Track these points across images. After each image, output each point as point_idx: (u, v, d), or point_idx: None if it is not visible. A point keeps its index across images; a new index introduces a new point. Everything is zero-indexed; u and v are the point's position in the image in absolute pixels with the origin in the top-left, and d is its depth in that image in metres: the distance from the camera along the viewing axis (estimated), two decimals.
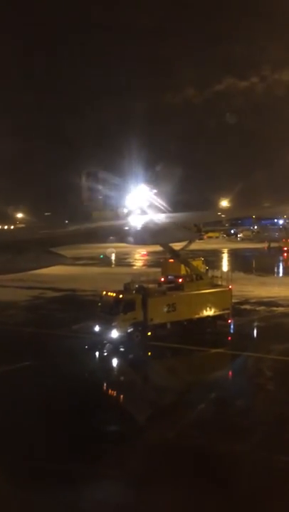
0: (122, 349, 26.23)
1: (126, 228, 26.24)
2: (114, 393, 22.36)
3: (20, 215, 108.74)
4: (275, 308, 37.22)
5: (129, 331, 26.83)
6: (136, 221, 29.46)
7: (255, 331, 31.97)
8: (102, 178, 28.83)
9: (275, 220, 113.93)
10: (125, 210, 29.59)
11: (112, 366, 25.49)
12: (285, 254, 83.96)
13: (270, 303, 38.90)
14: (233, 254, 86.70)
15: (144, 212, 33.19)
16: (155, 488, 13.48)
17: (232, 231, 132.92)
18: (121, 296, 27.52)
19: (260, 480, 13.92)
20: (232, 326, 30.89)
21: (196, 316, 29.33)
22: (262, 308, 37.35)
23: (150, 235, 26.21)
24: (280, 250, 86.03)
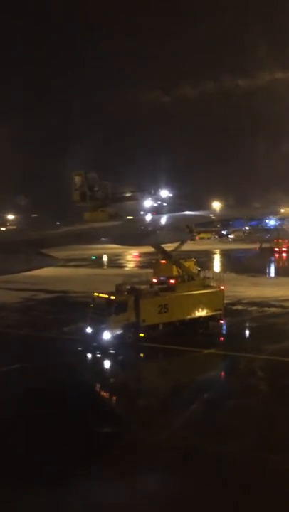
0: (114, 351, 26.15)
1: (118, 229, 26.21)
2: (107, 395, 22.29)
3: (10, 217, 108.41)
4: (266, 309, 37.37)
5: (121, 332, 26.77)
6: (128, 222, 29.47)
7: (247, 332, 32.06)
8: (94, 178, 28.66)
9: (266, 221, 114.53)
10: (117, 211, 29.43)
11: (105, 368, 25.41)
12: (277, 254, 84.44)
13: (262, 303, 39.05)
14: (225, 255, 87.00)
15: (136, 213, 33.19)
16: (147, 489, 13.46)
17: (224, 232, 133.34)
18: (113, 297, 27.46)
19: (250, 479, 13.93)
20: (224, 327, 30.97)
21: (188, 316, 29.35)
22: (254, 308, 37.49)
23: (142, 236, 26.21)
24: (272, 251, 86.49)
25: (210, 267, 57.62)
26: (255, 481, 13.85)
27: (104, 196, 29.17)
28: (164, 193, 35.42)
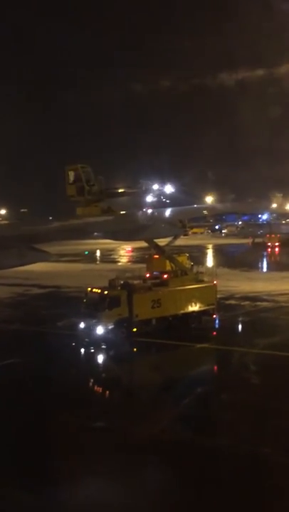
0: (107, 345, 26.17)
1: (111, 224, 26.14)
2: (100, 389, 22.32)
3: (3, 212, 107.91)
4: (259, 303, 37.58)
5: (114, 327, 26.78)
6: (121, 217, 29.40)
7: (240, 326, 32.24)
8: (89, 173, 28.55)
9: (259, 216, 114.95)
10: (110, 206, 29.35)
11: (98, 362, 25.43)
12: (269, 249, 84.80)
13: (255, 298, 39.25)
14: (218, 250, 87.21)
15: (128, 208, 33.11)
16: (139, 484, 13.52)
17: (216, 227, 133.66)
18: (106, 292, 27.45)
19: (242, 472, 14.04)
20: (217, 321, 31.09)
21: (182, 311, 29.43)
22: (246, 303, 37.67)
23: (135, 230, 26.17)
24: (264, 246, 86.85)
25: (203, 262, 57.76)
26: (247, 474, 13.95)
27: (100, 191, 29.11)
28: (168, 189, 35.46)
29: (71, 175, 29.09)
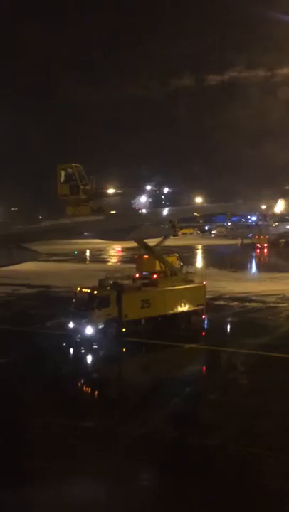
0: (96, 345, 26.13)
1: (101, 224, 26.14)
2: (89, 389, 22.28)
3: None
4: (248, 304, 37.80)
5: (103, 327, 26.75)
6: (112, 217, 29.39)
7: (228, 326, 32.40)
8: (79, 172, 28.44)
9: (248, 217, 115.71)
10: (100, 206, 29.32)
11: (87, 362, 25.38)
12: (258, 250, 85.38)
13: (243, 298, 39.48)
14: (207, 251, 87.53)
15: (120, 208, 33.11)
16: (127, 484, 13.53)
17: (206, 227, 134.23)
18: (95, 292, 27.40)
19: (231, 472, 14.13)
20: (206, 322, 31.22)
21: (171, 311, 29.49)
22: (235, 303, 37.87)
23: (125, 230, 26.20)
24: (253, 247, 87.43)
25: (192, 262, 57.94)
26: (235, 474, 14.04)
27: (92, 190, 29.09)
28: (159, 189, 35.59)
29: (63, 174, 29.01)
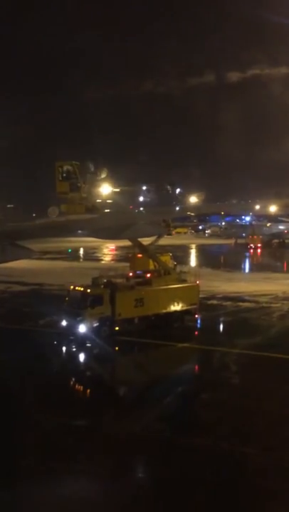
0: (89, 344, 26.11)
1: (95, 222, 26.12)
2: (81, 388, 22.27)
3: None
4: (240, 304, 37.94)
5: (96, 325, 26.73)
6: (106, 215, 29.38)
7: (221, 326, 32.50)
8: (75, 170, 28.34)
9: (242, 217, 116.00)
10: (95, 204, 29.27)
11: (80, 361, 25.36)
12: (251, 250, 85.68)
13: (236, 298, 39.61)
14: (201, 250, 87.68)
15: (116, 207, 33.11)
16: (121, 482, 13.55)
17: (200, 227, 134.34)
18: (89, 290, 27.36)
19: (223, 471, 14.19)
20: (199, 321, 31.30)
21: (164, 310, 29.53)
22: (228, 303, 37.99)
23: (119, 229, 26.19)
24: (247, 247, 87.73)
25: (186, 262, 58.02)
26: (227, 473, 14.11)
27: (89, 188, 29.04)
28: (154, 189, 35.60)
29: (62, 171, 28.88)
